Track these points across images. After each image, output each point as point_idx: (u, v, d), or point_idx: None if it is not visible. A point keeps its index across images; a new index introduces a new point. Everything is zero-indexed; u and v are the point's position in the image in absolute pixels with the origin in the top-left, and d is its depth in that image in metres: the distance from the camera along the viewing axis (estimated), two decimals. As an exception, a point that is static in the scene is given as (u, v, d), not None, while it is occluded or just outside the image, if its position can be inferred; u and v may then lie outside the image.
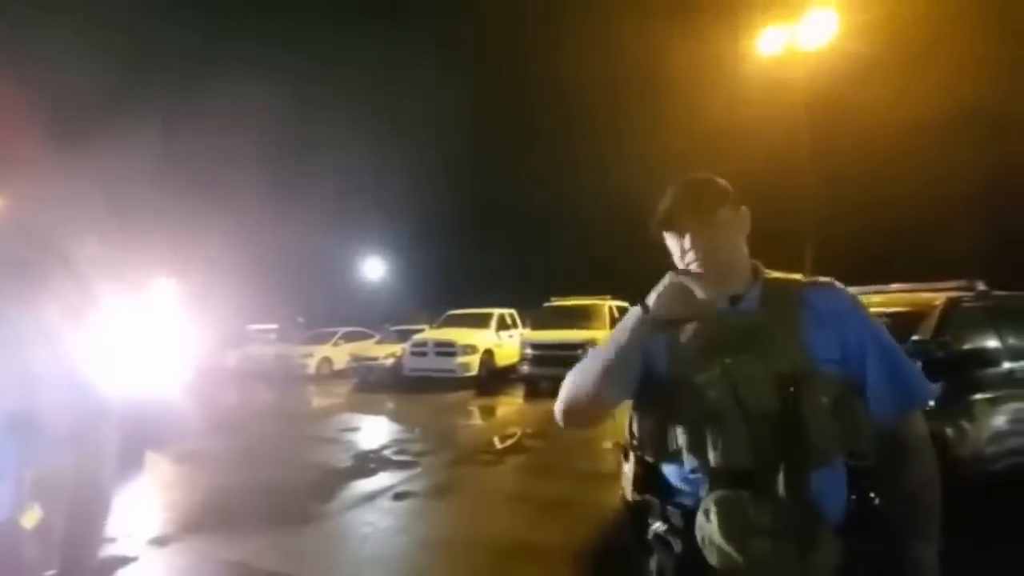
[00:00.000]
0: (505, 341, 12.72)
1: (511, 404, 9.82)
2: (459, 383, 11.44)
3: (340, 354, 15.29)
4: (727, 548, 0.94)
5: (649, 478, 1.12)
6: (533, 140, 25.62)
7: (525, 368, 11.08)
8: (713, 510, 0.97)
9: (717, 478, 1.00)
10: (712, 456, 1.01)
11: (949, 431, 3.22)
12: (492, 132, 26.12)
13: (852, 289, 3.83)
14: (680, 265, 1.12)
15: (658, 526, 1.08)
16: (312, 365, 15.06)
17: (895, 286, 4.54)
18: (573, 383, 1.13)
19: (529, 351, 11.02)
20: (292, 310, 22.14)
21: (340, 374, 14.82)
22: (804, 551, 0.92)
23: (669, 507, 1.07)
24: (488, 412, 9.30)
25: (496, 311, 13.33)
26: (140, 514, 4.30)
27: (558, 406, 1.16)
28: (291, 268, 24.94)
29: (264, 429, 8.06)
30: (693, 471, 1.04)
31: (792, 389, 0.97)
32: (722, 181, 1.14)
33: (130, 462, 5.35)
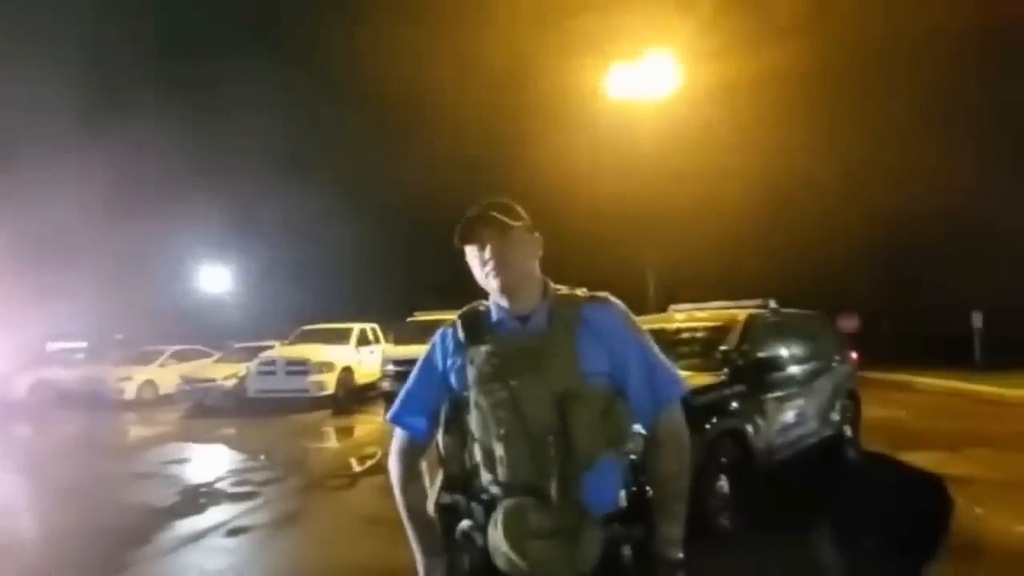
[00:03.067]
0: (366, 357, 12.20)
1: (371, 423, 9.42)
2: (313, 404, 10.66)
3: (168, 376, 13.36)
4: (511, 553, 1.06)
5: (456, 482, 1.21)
6: (395, 146, 25.23)
7: (387, 385, 10.74)
8: (500, 519, 1.08)
9: (506, 491, 1.12)
10: (501, 472, 1.12)
11: (748, 427, 3.80)
12: (350, 133, 25.08)
13: (682, 306, 4.33)
14: (480, 277, 1.20)
15: (465, 524, 1.17)
16: (131, 389, 12.97)
17: (714, 303, 5.29)
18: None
19: (391, 367, 10.71)
20: (108, 325, 18.94)
21: (167, 399, 12.94)
22: (572, 547, 1.06)
23: (473, 504, 1.16)
24: (345, 433, 8.83)
25: (356, 326, 12.75)
26: None
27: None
28: (109, 277, 21.29)
29: (65, 467, 6.71)
30: (489, 483, 1.15)
31: (565, 406, 1.09)
32: (519, 207, 1.23)
33: None
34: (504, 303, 1.20)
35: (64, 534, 4.13)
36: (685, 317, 5.09)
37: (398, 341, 11.83)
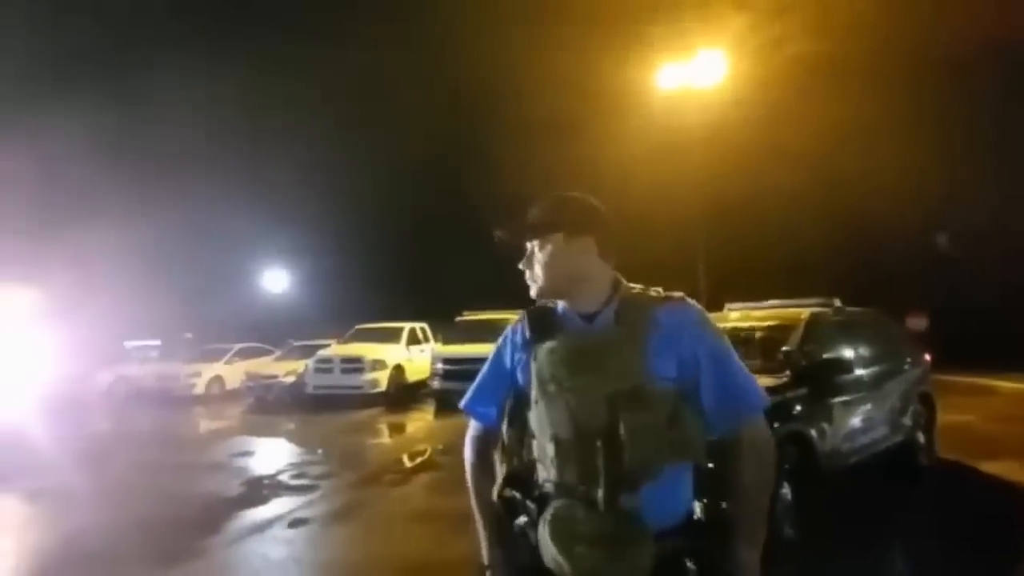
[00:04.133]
0: (416, 356, 12.47)
1: (421, 420, 9.62)
2: (367, 400, 11.01)
3: (234, 372, 14.12)
4: (557, 556, 1.05)
5: (516, 477, 1.21)
6: (445, 153, 25.61)
7: (436, 383, 10.93)
8: (548, 520, 1.08)
9: (556, 491, 1.10)
10: (552, 471, 1.11)
11: (813, 432, 3.61)
12: (403, 141, 25.74)
13: (737, 305, 4.17)
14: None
15: (521, 519, 1.17)
16: (201, 385, 13.78)
17: (772, 302, 5.06)
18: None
19: (440, 366, 10.88)
20: (179, 325, 20.19)
21: (233, 394, 13.68)
22: (617, 556, 1.02)
23: (528, 501, 1.16)
24: (397, 429, 9.05)
25: (407, 325, 13.05)
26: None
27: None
28: (180, 279, 22.74)
29: (140, 458, 7.21)
30: (544, 481, 1.14)
31: (623, 410, 1.04)
32: (588, 203, 1.18)
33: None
34: (563, 302, 1.19)
35: (132, 525, 4.39)
36: (741, 316, 4.90)
37: (447, 341, 12.02)
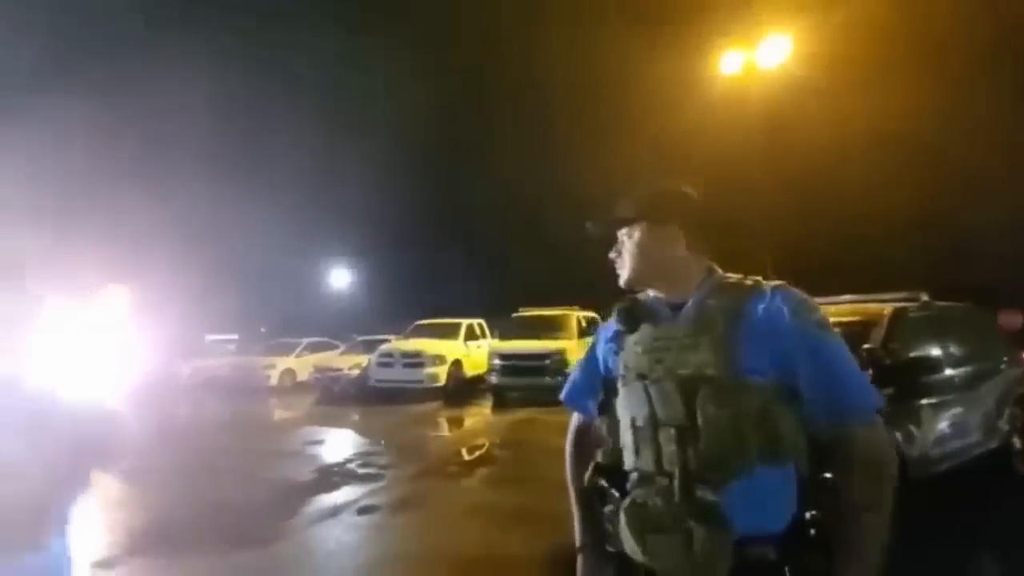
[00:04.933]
0: (473, 351, 12.66)
1: (479, 415, 9.76)
2: (426, 394, 11.30)
3: (303, 365, 14.89)
4: (632, 543, 1.07)
5: (605, 466, 1.23)
6: (502, 149, 25.76)
7: (493, 378, 11.05)
8: (624, 507, 1.10)
9: (637, 480, 1.12)
10: (633, 459, 1.12)
11: (899, 435, 3.38)
12: (461, 139, 26.18)
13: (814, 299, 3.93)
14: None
15: (608, 508, 1.19)
16: (274, 377, 14.62)
17: (846, 297, 4.75)
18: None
19: (497, 362, 10.99)
20: (254, 320, 21.49)
21: (303, 386, 14.42)
22: (687, 546, 0.99)
23: (613, 490, 1.18)
24: (456, 423, 9.23)
25: (464, 321, 13.26)
26: (82, 536, 4.07)
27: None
28: (254, 276, 24.22)
29: (221, 444, 7.76)
30: (629, 470, 1.15)
31: (699, 401, 1.01)
32: (677, 192, 1.18)
33: (76, 479, 5.03)
34: (653, 292, 1.20)
35: (217, 506, 4.70)
36: None
37: (503, 336, 12.12)
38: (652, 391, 1.08)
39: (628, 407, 1.13)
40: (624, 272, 1.19)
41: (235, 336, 19.59)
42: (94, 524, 4.37)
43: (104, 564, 3.55)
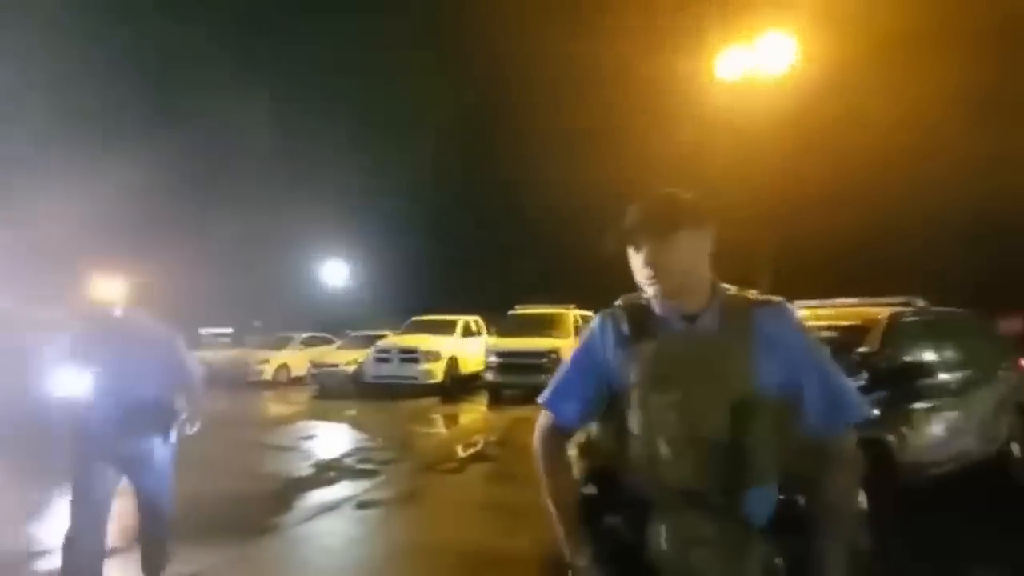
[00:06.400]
0: (470, 348, 12.67)
1: (475, 412, 9.79)
2: (422, 390, 11.31)
3: (299, 360, 14.86)
4: (672, 556, 1.08)
5: (601, 474, 1.21)
6: (500, 148, 25.76)
7: (489, 376, 11.07)
8: (663, 521, 1.09)
9: (667, 493, 1.10)
10: (663, 473, 1.10)
11: (892, 438, 3.41)
12: (460, 136, 26.14)
13: (804, 303, 3.96)
14: (638, 279, 1.15)
15: (612, 518, 1.16)
16: (269, 371, 14.59)
17: (844, 300, 4.78)
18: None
19: (493, 359, 11.01)
20: (249, 314, 21.44)
21: (298, 381, 14.40)
22: (736, 560, 1.06)
23: (623, 501, 1.15)
24: (452, 420, 9.25)
25: (461, 318, 13.27)
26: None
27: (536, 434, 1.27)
28: (249, 271, 24.13)
29: (216, 437, 7.71)
30: (648, 483, 1.13)
31: (740, 417, 1.05)
32: (690, 197, 1.15)
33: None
34: (663, 301, 1.15)
35: (213, 499, 4.63)
36: (810, 315, 4.67)
37: (500, 333, 12.14)
38: (692, 407, 1.07)
39: (657, 421, 1.10)
40: (662, 285, 1.10)
41: (229, 330, 19.54)
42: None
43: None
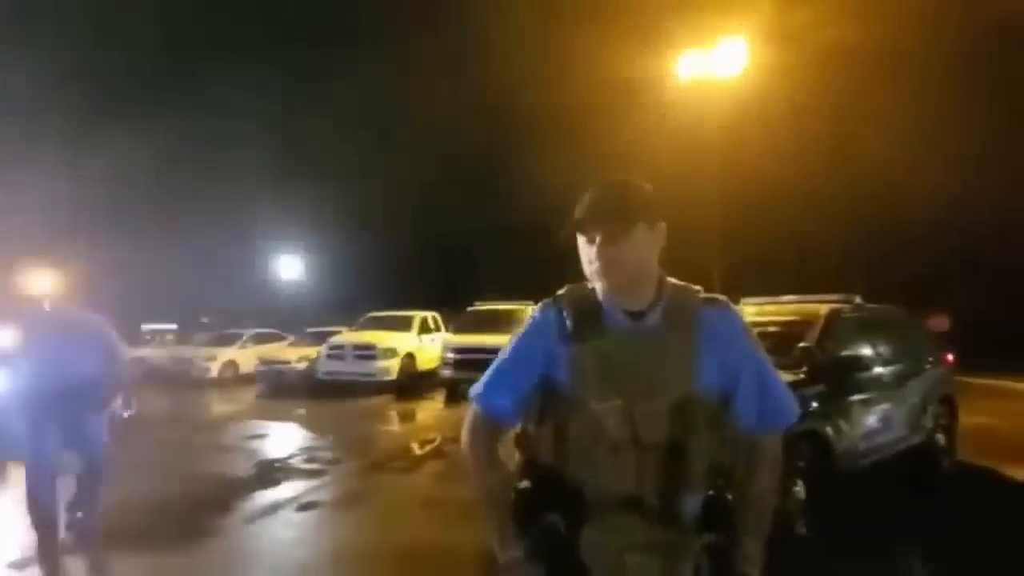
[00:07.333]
0: (427, 345, 12.50)
1: (431, 409, 9.66)
2: (377, 387, 11.07)
3: (247, 357, 14.28)
4: (608, 561, 1.05)
5: (538, 471, 1.15)
6: (460, 144, 25.55)
7: (446, 372, 10.94)
8: (597, 525, 1.06)
9: (605, 497, 1.07)
10: (601, 478, 1.07)
11: (829, 430, 3.54)
12: (417, 131, 25.79)
13: (751, 300, 4.06)
14: (587, 271, 1.10)
15: (551, 517, 1.11)
16: (215, 369, 13.97)
17: (787, 297, 4.95)
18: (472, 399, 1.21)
19: (451, 355, 10.89)
20: (195, 310, 20.50)
21: (247, 379, 13.83)
22: (669, 562, 1.05)
23: (559, 499, 1.11)
24: (407, 417, 9.09)
25: (418, 314, 13.08)
26: (2, 535, 3.75)
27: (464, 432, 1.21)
28: (196, 265, 23.04)
29: (156, 439, 7.31)
30: (584, 485, 1.09)
31: (680, 420, 1.04)
32: (645, 188, 1.10)
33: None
34: (608, 295, 1.10)
35: (148, 504, 4.42)
36: (757, 311, 4.81)
37: (458, 330, 12.02)
38: (634, 410, 1.04)
39: (602, 423, 1.06)
40: (612, 279, 1.06)
41: (173, 326, 18.63)
42: (8, 523, 4.03)
43: (19, 566, 3.27)
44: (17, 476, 5.26)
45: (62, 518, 3.44)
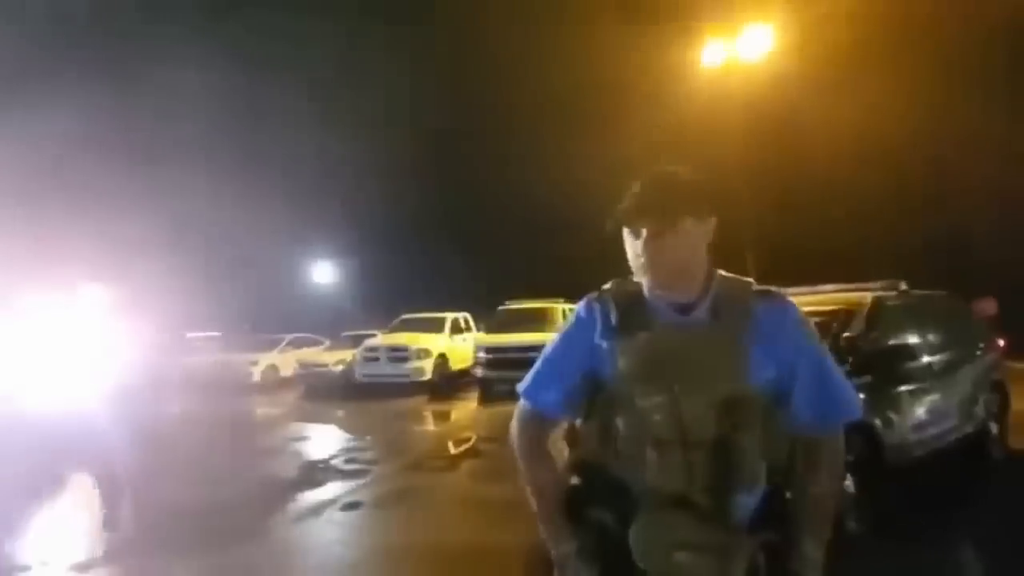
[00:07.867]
0: (459, 345, 12.62)
1: (465, 408, 9.75)
2: (412, 388, 11.25)
3: (287, 361, 14.71)
4: (654, 559, 1.03)
5: (588, 467, 1.15)
6: (486, 143, 25.62)
7: (479, 372, 11.03)
8: (646, 524, 1.04)
9: (653, 495, 1.05)
10: (648, 475, 1.05)
11: (878, 422, 3.43)
12: (446, 134, 25.99)
13: (789, 290, 3.98)
14: (632, 265, 1.08)
15: (600, 513, 1.11)
16: (257, 373, 14.43)
17: (828, 286, 4.80)
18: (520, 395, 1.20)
19: (483, 355, 10.98)
20: (238, 316, 21.18)
21: (287, 382, 14.26)
22: (721, 564, 1.01)
23: (609, 496, 1.10)
24: (442, 417, 9.20)
25: (450, 315, 13.21)
26: (61, 538, 3.98)
27: (513, 424, 1.21)
28: (238, 273, 23.82)
29: (204, 442, 7.64)
30: (634, 482, 1.08)
31: (730, 417, 1.01)
32: (696, 179, 1.06)
33: (48, 480, 4.91)
34: (654, 290, 1.07)
35: (199, 505, 4.60)
36: (797, 302, 4.66)
37: (489, 329, 12.09)
38: (681, 406, 1.02)
39: (648, 419, 1.04)
40: (658, 274, 1.03)
41: (218, 333, 19.29)
42: (72, 526, 4.28)
43: (87, 566, 3.48)
44: (76, 483, 5.58)
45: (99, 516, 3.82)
